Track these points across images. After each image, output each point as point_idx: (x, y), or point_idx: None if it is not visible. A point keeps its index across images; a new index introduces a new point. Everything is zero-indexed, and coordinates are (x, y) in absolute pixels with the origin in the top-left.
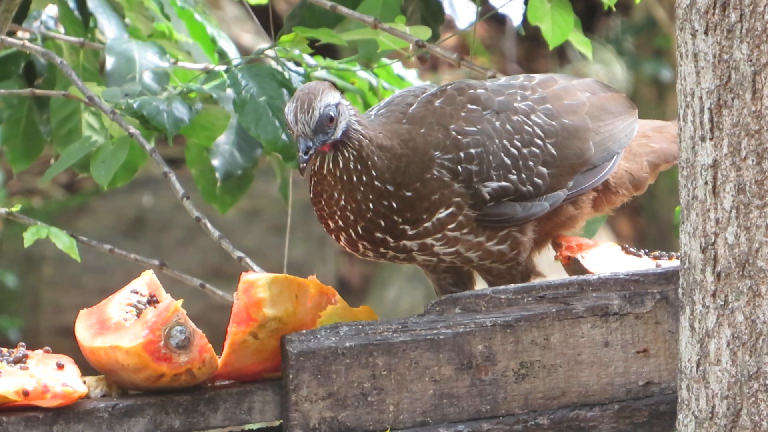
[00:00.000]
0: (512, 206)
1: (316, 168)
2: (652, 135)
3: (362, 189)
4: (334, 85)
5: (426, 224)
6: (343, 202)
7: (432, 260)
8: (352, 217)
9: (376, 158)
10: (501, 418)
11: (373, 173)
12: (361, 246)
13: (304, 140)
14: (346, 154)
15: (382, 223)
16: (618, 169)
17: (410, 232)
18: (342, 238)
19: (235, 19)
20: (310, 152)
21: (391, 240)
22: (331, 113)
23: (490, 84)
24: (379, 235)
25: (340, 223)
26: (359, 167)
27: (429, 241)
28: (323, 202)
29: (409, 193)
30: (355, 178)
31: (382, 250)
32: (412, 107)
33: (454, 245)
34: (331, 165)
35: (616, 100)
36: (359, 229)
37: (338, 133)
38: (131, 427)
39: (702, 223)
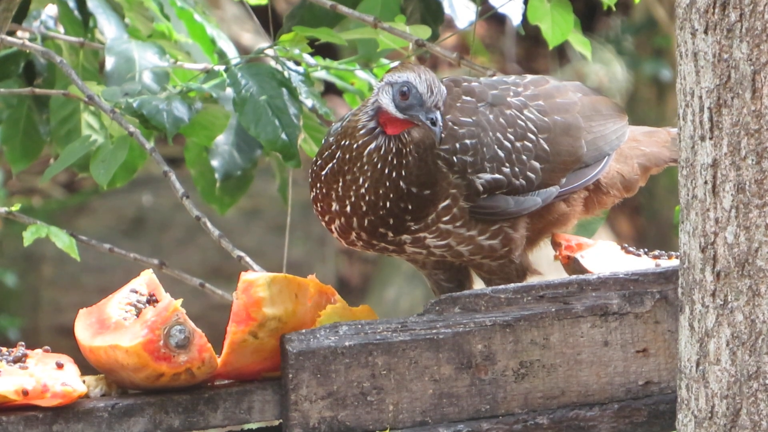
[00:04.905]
0: (505, 199)
1: (356, 145)
2: (643, 139)
3: (387, 185)
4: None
5: (428, 219)
6: (363, 191)
7: (422, 252)
8: (364, 208)
9: (410, 158)
10: (500, 418)
11: (403, 173)
12: (353, 235)
13: (438, 112)
14: (391, 145)
15: (391, 221)
16: (609, 170)
17: (413, 228)
18: (337, 222)
19: (234, 18)
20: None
21: (392, 235)
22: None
23: (483, 79)
24: (382, 230)
25: (348, 209)
26: (395, 162)
27: (423, 233)
28: (341, 182)
29: (427, 192)
30: (387, 171)
31: (374, 242)
32: None
33: (445, 238)
34: (373, 147)
35: (606, 102)
36: (365, 221)
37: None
38: (131, 426)
39: (701, 222)
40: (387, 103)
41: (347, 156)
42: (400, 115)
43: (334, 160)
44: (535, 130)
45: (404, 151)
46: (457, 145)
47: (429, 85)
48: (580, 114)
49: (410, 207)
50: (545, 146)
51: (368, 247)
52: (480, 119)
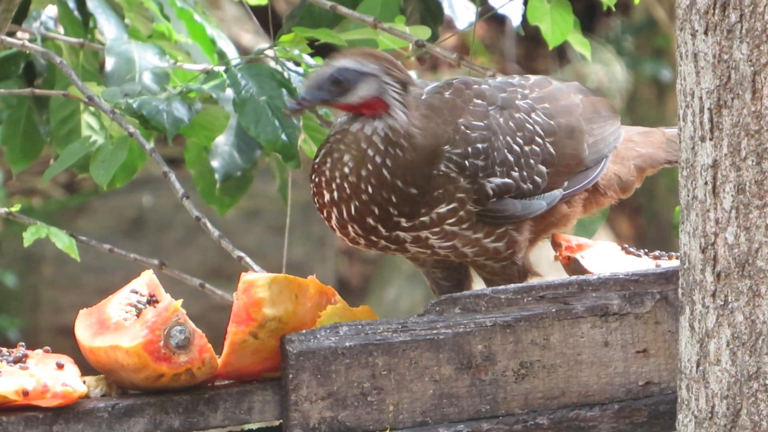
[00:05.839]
0: (513, 203)
1: (346, 127)
2: (638, 140)
3: (369, 168)
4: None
5: (423, 218)
6: (347, 169)
7: (426, 252)
8: (348, 191)
9: (398, 150)
10: (501, 418)
11: (387, 162)
12: (351, 229)
13: (305, 91)
14: (376, 125)
15: (376, 211)
16: (607, 172)
17: (405, 224)
18: (333, 216)
19: (234, 19)
20: (304, 104)
21: (384, 230)
22: (340, 76)
23: (491, 81)
24: (370, 221)
25: (335, 195)
26: (380, 146)
27: (424, 233)
28: (329, 162)
29: (414, 191)
30: (370, 152)
31: (373, 238)
32: (423, 97)
33: (451, 240)
34: (363, 127)
35: (603, 103)
36: (352, 208)
37: (350, 100)
38: (131, 426)
39: (702, 223)
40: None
41: (338, 136)
42: (355, 101)
43: (328, 144)
44: (542, 133)
45: (394, 140)
46: (470, 149)
47: (357, 63)
48: (582, 116)
49: (394, 199)
50: (551, 150)
51: (369, 245)
52: (491, 123)
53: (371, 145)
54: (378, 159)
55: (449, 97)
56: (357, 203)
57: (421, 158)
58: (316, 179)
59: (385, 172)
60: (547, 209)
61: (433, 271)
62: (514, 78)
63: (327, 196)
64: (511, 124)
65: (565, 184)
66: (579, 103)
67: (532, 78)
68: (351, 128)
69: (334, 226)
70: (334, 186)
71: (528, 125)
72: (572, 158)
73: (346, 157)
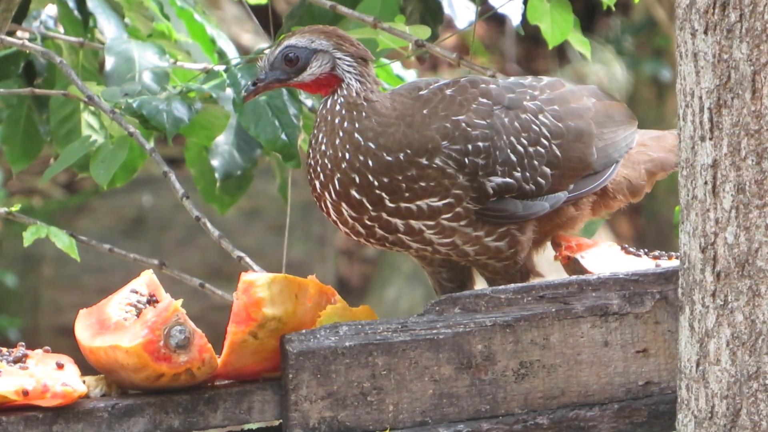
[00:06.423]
0: (514, 203)
1: (319, 110)
2: (650, 144)
3: (341, 135)
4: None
5: (407, 204)
6: (323, 147)
7: (427, 249)
8: (329, 166)
9: (363, 114)
10: (500, 418)
11: (356, 125)
12: (346, 213)
13: (259, 72)
14: (336, 98)
15: (357, 179)
16: (617, 176)
17: (389, 204)
18: (329, 203)
19: (234, 19)
20: (259, 84)
21: (370, 207)
22: (291, 54)
23: (501, 81)
24: (355, 194)
25: (322, 177)
26: (344, 112)
27: (417, 225)
28: (312, 143)
29: (389, 158)
30: (337, 121)
31: (367, 221)
32: (422, 91)
33: (450, 236)
34: (326, 104)
35: (619, 108)
36: (336, 182)
37: (304, 77)
38: (131, 426)
39: (702, 222)
40: (311, 72)
41: (317, 120)
42: (309, 78)
43: (311, 138)
44: (548, 135)
45: (352, 101)
46: (469, 147)
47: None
48: (593, 120)
49: (370, 163)
50: (557, 152)
51: (368, 235)
52: (494, 122)
53: (336, 114)
54: (346, 124)
55: (449, 93)
56: (339, 175)
57: (393, 132)
58: (309, 172)
59: (357, 135)
60: (553, 211)
61: (439, 270)
62: (526, 78)
63: (318, 184)
64: (516, 124)
65: (571, 186)
66: (591, 107)
67: (545, 79)
68: (319, 112)
69: (334, 219)
70: (319, 169)
71: (534, 126)
72: (579, 162)
73: (320, 136)
